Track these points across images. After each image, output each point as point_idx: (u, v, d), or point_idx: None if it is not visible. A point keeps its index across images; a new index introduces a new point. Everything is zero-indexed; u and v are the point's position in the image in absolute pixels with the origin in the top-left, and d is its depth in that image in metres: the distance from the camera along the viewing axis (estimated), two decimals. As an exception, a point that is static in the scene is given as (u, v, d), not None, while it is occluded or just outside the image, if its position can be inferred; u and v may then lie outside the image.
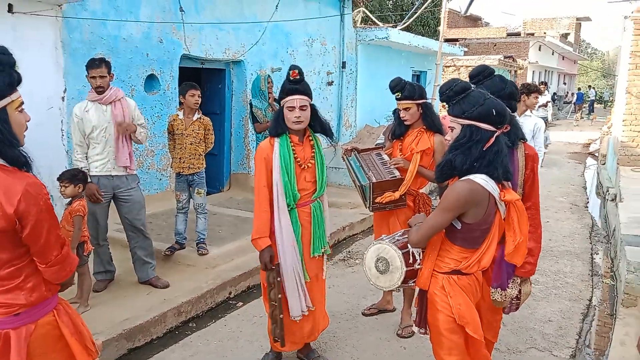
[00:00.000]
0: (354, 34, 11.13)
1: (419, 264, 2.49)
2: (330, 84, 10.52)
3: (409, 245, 2.49)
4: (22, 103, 1.87)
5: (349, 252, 5.95)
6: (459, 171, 2.30)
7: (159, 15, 6.52)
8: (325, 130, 3.31)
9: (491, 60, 18.95)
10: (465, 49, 16.91)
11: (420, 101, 3.72)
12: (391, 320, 4.18)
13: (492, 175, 2.30)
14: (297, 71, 3.04)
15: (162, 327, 3.99)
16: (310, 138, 3.23)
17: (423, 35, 18.22)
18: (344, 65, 10.83)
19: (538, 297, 4.72)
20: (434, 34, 20.63)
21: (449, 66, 18.70)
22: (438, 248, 2.43)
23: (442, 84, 2.50)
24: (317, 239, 3.23)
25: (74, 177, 3.86)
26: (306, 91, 3.06)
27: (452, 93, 2.37)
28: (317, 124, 3.26)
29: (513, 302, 3.02)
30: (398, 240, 2.53)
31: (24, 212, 1.77)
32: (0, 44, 1.85)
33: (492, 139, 2.29)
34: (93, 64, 4.15)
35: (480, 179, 2.27)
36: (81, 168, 4.14)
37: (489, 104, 2.30)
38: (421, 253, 2.50)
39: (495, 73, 3.08)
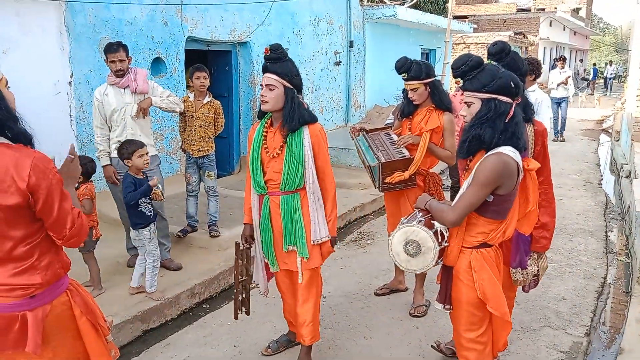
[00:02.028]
0: (361, 13, 10.98)
1: (446, 242, 2.47)
2: (337, 64, 10.40)
3: (435, 223, 2.46)
4: (7, 82, 1.86)
5: (361, 232, 5.93)
6: (487, 145, 2.32)
7: (164, -3, 6.45)
8: (296, 118, 2.84)
9: (501, 37, 18.66)
10: (475, 26, 16.64)
11: (428, 80, 3.65)
12: (403, 300, 4.17)
13: (517, 146, 2.33)
14: (268, 48, 2.80)
15: (176, 309, 4.01)
16: (285, 126, 2.84)
17: (431, 12, 17.94)
18: (351, 44, 10.70)
19: (552, 276, 4.68)
20: (442, 11, 20.29)
21: (458, 43, 18.45)
22: (465, 222, 2.43)
23: (456, 59, 2.46)
24: (286, 233, 2.98)
25: None
26: (277, 70, 2.76)
27: (467, 68, 2.37)
28: (287, 109, 2.82)
29: (533, 279, 3.03)
30: (421, 220, 2.49)
31: (35, 186, 1.78)
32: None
33: (512, 111, 2.31)
34: (111, 48, 4.17)
35: (510, 150, 2.30)
36: (100, 150, 4.29)
37: (506, 77, 2.33)
38: (447, 230, 2.47)
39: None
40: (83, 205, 3.74)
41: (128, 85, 4.24)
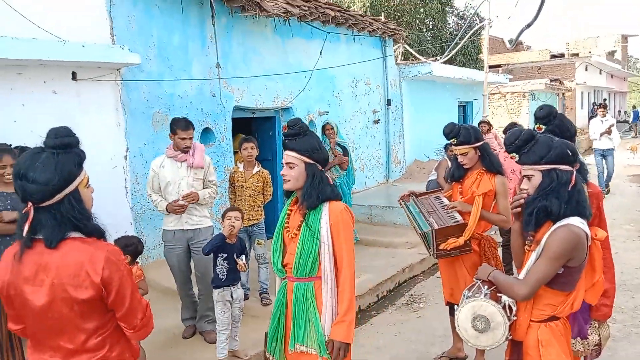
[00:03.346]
0: (397, 71, 11.23)
1: (514, 315, 2.42)
2: (376, 122, 10.57)
3: (502, 297, 2.42)
4: (88, 179, 1.97)
5: (412, 295, 5.83)
6: (555, 216, 2.30)
7: (211, 71, 6.78)
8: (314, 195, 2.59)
9: (537, 85, 18.64)
10: (511, 77, 16.70)
11: (477, 144, 3.67)
12: (464, 369, 4.03)
13: (583, 215, 2.31)
14: (286, 125, 2.65)
15: (233, 383, 3.98)
16: (303, 203, 2.59)
17: (464, 64, 18.17)
18: (389, 102, 10.89)
19: (617, 338, 4.45)
20: (475, 62, 20.50)
21: (494, 93, 18.51)
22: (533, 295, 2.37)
23: (507, 135, 2.51)
24: (295, 328, 2.59)
25: (125, 247, 3.78)
26: (296, 147, 2.57)
27: (521, 142, 2.39)
28: (307, 185, 2.58)
29: (594, 348, 2.91)
30: (487, 294, 2.45)
31: (108, 279, 1.84)
32: (65, 122, 1.95)
33: (573, 178, 2.31)
34: (181, 124, 4.31)
35: (579, 221, 2.28)
36: (157, 201, 4.37)
37: (562, 145, 2.35)
38: (514, 303, 2.42)
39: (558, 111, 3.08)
40: (140, 287, 3.80)
41: (185, 160, 4.38)
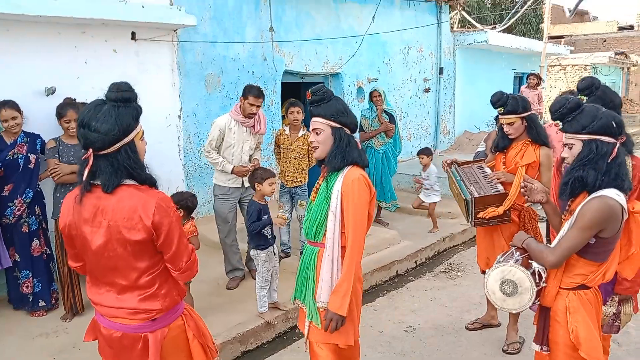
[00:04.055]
0: (452, 39, 10.97)
1: (544, 282, 2.48)
2: (427, 90, 10.44)
3: (533, 263, 2.48)
4: (143, 133, 2.12)
5: (451, 264, 5.89)
6: (590, 187, 2.32)
7: (263, 34, 6.88)
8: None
9: (600, 58, 17.75)
10: (572, 48, 15.96)
11: (525, 114, 3.62)
12: (496, 336, 4.11)
13: (621, 188, 2.31)
14: (309, 92, 2.60)
15: (271, 332, 4.23)
16: (327, 165, 2.56)
17: (524, 34, 17.49)
18: (441, 71, 10.70)
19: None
20: (536, 32, 19.70)
21: (553, 66, 17.77)
22: (564, 263, 2.43)
23: (554, 102, 2.49)
24: (297, 285, 2.72)
25: (178, 202, 3.93)
26: (321, 112, 2.53)
27: (566, 110, 2.39)
28: (333, 148, 2.55)
29: (614, 324, 2.94)
30: (518, 260, 2.51)
31: (158, 223, 2.00)
32: (124, 80, 2.08)
33: (615, 151, 2.31)
34: (255, 91, 4.54)
35: (614, 193, 2.29)
36: (221, 162, 4.62)
37: (607, 116, 2.34)
38: (545, 270, 2.48)
39: (602, 83, 3.04)
40: (192, 243, 4.00)
41: (253, 126, 4.68)
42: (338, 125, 2.53)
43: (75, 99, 4.63)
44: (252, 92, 4.53)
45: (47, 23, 4.84)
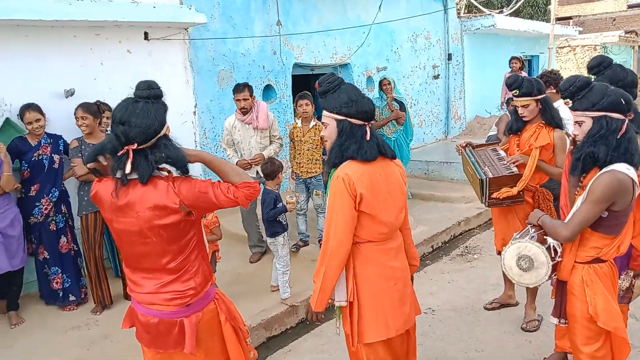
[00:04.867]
0: (459, 25, 10.97)
1: (559, 257, 2.56)
2: (436, 77, 10.46)
3: (548, 239, 2.56)
4: (169, 127, 2.23)
5: (467, 247, 5.97)
6: (601, 162, 2.38)
7: (272, 28, 6.97)
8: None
9: (610, 37, 17.57)
10: (580, 29, 15.81)
11: (540, 97, 3.64)
12: (514, 315, 4.18)
13: (631, 162, 2.37)
14: (317, 83, 2.53)
15: (294, 318, 4.35)
16: (328, 163, 2.53)
17: (532, 16, 17.34)
18: (449, 57, 10.72)
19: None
20: (544, 14, 19.51)
21: (562, 47, 17.62)
22: (579, 237, 2.50)
23: (563, 81, 2.56)
24: None
25: None
26: (325, 105, 2.46)
27: (575, 89, 2.45)
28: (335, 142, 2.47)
29: (625, 295, 3.00)
30: (533, 236, 2.59)
31: (184, 196, 2.08)
32: (148, 75, 2.20)
33: (624, 127, 2.37)
34: (237, 88, 4.92)
35: (625, 167, 2.35)
36: (230, 156, 5.08)
37: (616, 93, 2.40)
38: (560, 245, 2.56)
39: (614, 62, 3.06)
40: (214, 233, 4.14)
41: (251, 122, 4.96)
42: (342, 118, 2.40)
43: (99, 102, 4.76)
44: (234, 89, 4.90)
45: (62, 27, 4.97)
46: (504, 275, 4.28)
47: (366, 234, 2.43)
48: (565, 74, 4.29)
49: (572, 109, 2.49)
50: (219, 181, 2.18)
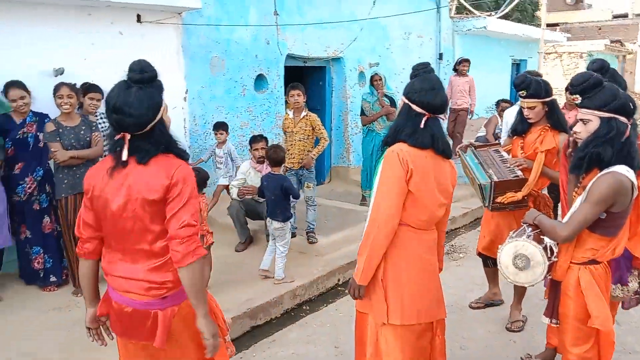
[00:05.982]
0: (451, 25, 11.00)
1: (555, 257, 2.57)
2: (426, 76, 10.45)
3: (544, 239, 2.57)
4: (167, 107, 2.16)
5: (453, 245, 6.00)
6: (605, 163, 2.39)
7: (266, 18, 6.89)
8: None
9: (597, 46, 17.82)
10: (569, 35, 16.02)
11: (547, 99, 3.52)
12: (500, 314, 4.21)
13: (631, 165, 2.39)
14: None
15: (279, 308, 4.34)
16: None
17: (520, 21, 17.47)
18: (440, 56, 10.75)
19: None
20: (531, 19, 19.67)
21: (549, 53, 17.77)
22: (575, 238, 2.51)
23: (576, 76, 2.55)
24: None
25: None
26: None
27: (588, 86, 2.44)
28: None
29: (633, 296, 3.02)
30: (530, 235, 2.60)
31: (175, 182, 2.00)
32: (139, 58, 2.10)
33: (628, 131, 2.39)
34: (255, 139, 5.31)
35: (624, 169, 2.37)
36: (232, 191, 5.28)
37: (625, 97, 2.41)
38: (556, 245, 2.57)
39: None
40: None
41: (260, 171, 5.16)
42: (407, 102, 2.47)
43: (87, 84, 4.65)
44: (252, 139, 5.42)
45: (53, 5, 4.84)
46: (487, 274, 4.30)
47: (406, 216, 2.41)
48: (551, 80, 4.30)
49: (580, 105, 2.47)
50: (192, 214, 2.04)
